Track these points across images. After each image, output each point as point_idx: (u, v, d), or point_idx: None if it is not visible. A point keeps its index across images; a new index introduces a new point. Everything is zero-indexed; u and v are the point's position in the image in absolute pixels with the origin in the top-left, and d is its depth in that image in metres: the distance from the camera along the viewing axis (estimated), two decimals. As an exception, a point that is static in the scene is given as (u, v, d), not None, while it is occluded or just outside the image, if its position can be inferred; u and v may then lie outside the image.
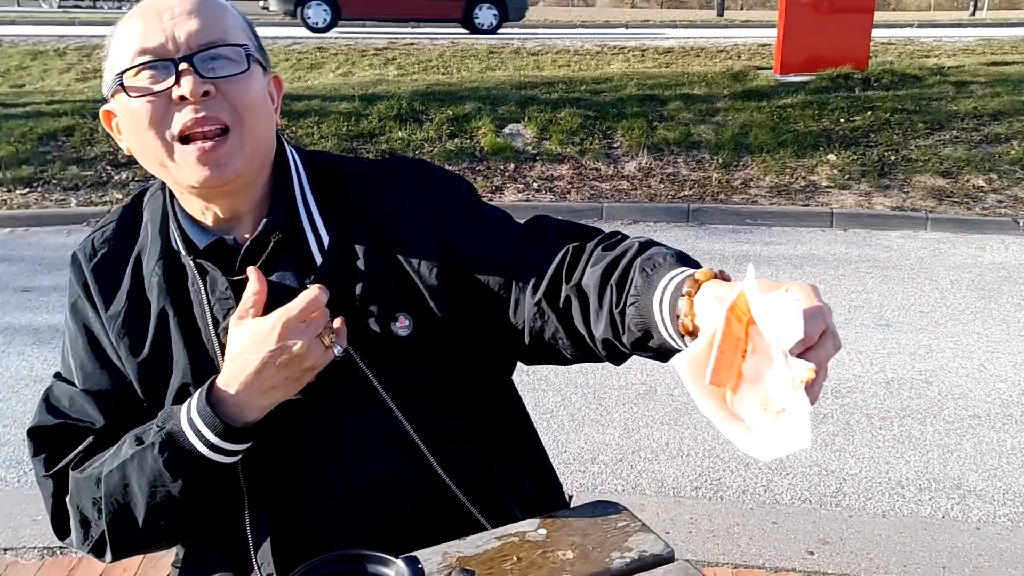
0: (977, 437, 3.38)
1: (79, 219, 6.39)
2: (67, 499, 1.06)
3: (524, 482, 1.23)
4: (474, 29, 14.81)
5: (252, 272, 1.03)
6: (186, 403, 1.00)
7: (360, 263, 1.09)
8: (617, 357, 1.03)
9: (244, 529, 1.05)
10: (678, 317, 0.83)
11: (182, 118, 0.97)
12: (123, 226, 1.14)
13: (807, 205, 6.53)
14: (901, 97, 8.15)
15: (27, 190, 6.76)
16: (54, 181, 6.91)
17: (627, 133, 7.63)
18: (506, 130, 7.86)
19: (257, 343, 0.97)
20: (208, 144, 0.97)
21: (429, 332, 1.10)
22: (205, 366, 1.05)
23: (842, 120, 7.77)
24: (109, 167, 7.15)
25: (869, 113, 7.84)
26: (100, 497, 1.02)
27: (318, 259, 1.08)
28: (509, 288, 1.08)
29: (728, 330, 0.67)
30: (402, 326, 1.08)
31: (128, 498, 1.01)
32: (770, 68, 9.28)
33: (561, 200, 6.75)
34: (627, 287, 0.93)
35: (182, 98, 0.96)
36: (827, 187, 6.83)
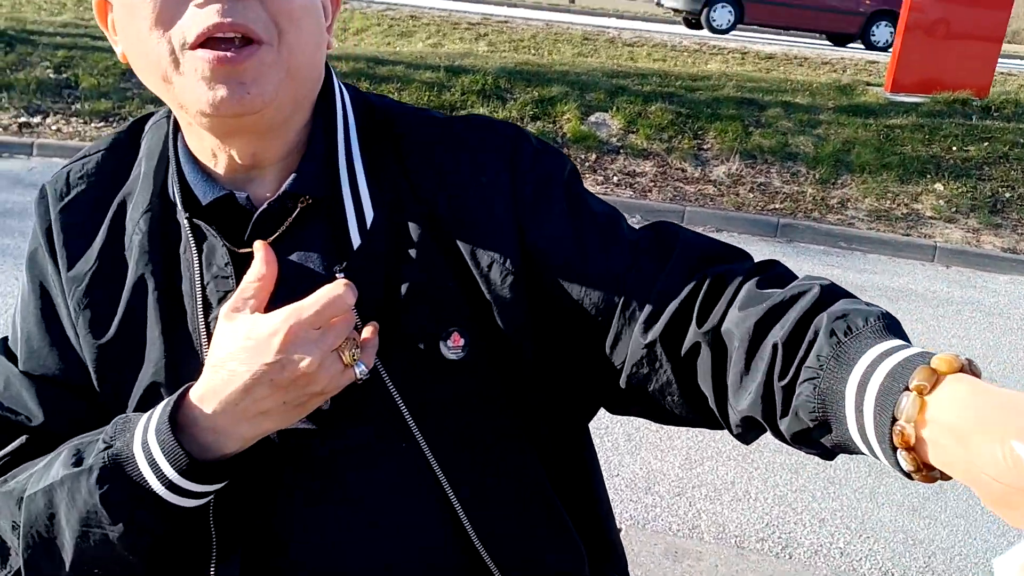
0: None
1: (149, 159, 6.30)
2: None
3: (583, 561, 0.93)
4: (869, 46, 14.65)
5: (259, 248, 0.74)
6: (144, 417, 0.72)
7: (411, 252, 0.79)
8: (751, 436, 0.73)
9: None
10: (894, 420, 0.53)
11: (200, 20, 0.68)
12: (111, 159, 0.86)
13: (908, 235, 6.04)
14: (1024, 130, 7.53)
15: (102, 124, 6.71)
16: (130, 118, 6.84)
17: (720, 135, 7.20)
18: (592, 118, 7.52)
19: (251, 350, 0.69)
20: (229, 52, 0.69)
21: (487, 357, 0.80)
22: (185, 364, 0.77)
23: (954, 148, 7.19)
24: (186, 110, 7.06)
25: (986, 144, 7.23)
26: (19, 524, 0.75)
27: (355, 240, 0.79)
28: (610, 314, 0.78)
29: None
30: (454, 346, 0.79)
31: (54, 532, 0.73)
32: (879, 85, 8.71)
33: (641, 198, 6.39)
34: (802, 352, 0.63)
35: None
36: (931, 218, 6.31)
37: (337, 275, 0.76)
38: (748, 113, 7.63)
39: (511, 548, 0.82)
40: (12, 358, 0.83)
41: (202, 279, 0.77)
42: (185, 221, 0.78)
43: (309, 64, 0.76)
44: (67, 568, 0.74)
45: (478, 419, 0.81)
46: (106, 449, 0.71)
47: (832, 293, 0.68)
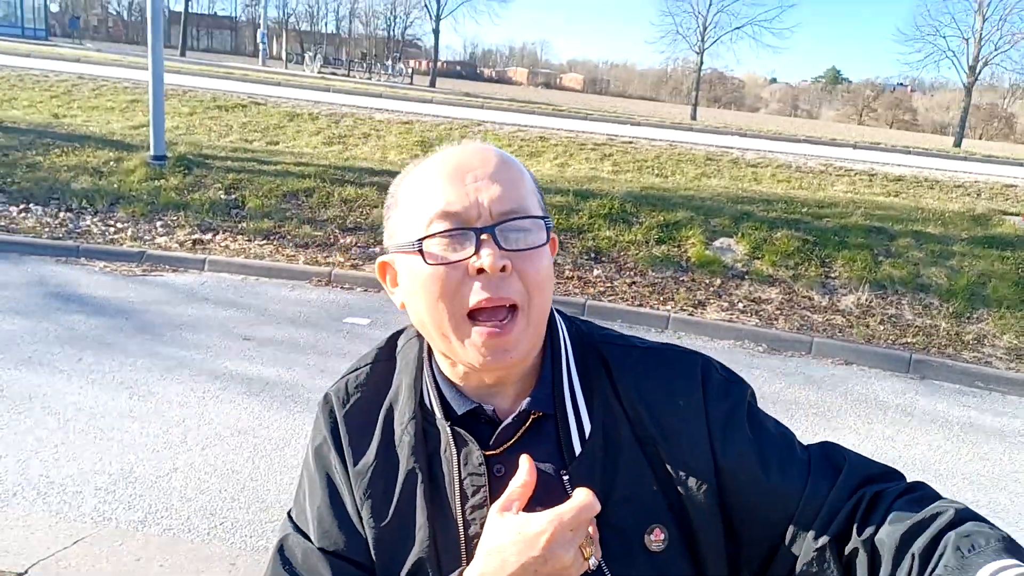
0: None
1: (303, 276, 6.88)
2: None
3: None
4: None
5: (526, 460, 0.97)
6: None
7: (621, 458, 1.01)
8: None
9: None
10: None
11: (477, 294, 0.94)
12: (377, 372, 1.12)
13: (1052, 375, 5.81)
14: None
15: (264, 242, 7.37)
16: (288, 237, 7.51)
17: (848, 264, 7.21)
18: (716, 243, 7.68)
19: (520, 544, 0.90)
20: (498, 328, 0.94)
21: (683, 550, 1.00)
22: (445, 543, 0.99)
23: (1102, 283, 6.92)
24: (337, 230, 7.68)
25: None
26: None
27: (577, 447, 1.01)
28: (787, 521, 0.97)
29: None
30: (656, 540, 0.99)
31: None
32: (1017, 214, 8.52)
33: (767, 326, 6.43)
34: (933, 563, 0.82)
35: (480, 270, 0.93)
36: (1078, 358, 6.06)
37: (563, 477, 0.98)
38: (877, 242, 7.61)
39: None
40: (301, 533, 1.07)
41: (460, 475, 1.01)
42: (448, 428, 1.03)
43: (546, 314, 1.01)
44: None
45: None
46: None
47: (966, 516, 0.86)
